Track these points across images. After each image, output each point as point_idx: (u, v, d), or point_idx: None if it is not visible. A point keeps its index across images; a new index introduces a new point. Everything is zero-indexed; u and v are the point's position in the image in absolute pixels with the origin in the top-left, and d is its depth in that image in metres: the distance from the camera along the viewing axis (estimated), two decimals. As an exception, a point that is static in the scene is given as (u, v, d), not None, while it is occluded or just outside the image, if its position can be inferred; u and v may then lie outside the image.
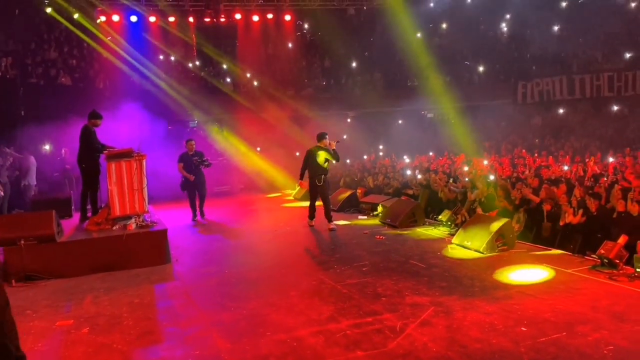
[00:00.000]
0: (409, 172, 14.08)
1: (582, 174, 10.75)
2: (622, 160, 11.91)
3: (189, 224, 11.77)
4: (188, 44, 20.80)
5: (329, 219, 10.41)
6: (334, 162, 10.71)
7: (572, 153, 14.96)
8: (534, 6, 21.92)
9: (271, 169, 17.34)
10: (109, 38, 18.42)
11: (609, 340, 4.67)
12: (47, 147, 14.23)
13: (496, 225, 7.93)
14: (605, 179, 9.92)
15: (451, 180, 11.74)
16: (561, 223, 8.32)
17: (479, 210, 9.83)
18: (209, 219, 12.31)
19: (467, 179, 11.56)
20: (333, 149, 10.51)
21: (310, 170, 10.46)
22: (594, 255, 6.89)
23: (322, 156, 10.39)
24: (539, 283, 6.37)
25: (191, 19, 20.36)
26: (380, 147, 19.53)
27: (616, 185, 8.76)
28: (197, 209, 12.18)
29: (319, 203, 10.63)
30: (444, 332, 5.05)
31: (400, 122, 23.02)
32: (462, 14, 23.31)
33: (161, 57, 19.65)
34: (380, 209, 11.52)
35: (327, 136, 10.67)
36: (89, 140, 9.05)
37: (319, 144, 10.58)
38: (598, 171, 11.17)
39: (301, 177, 10.98)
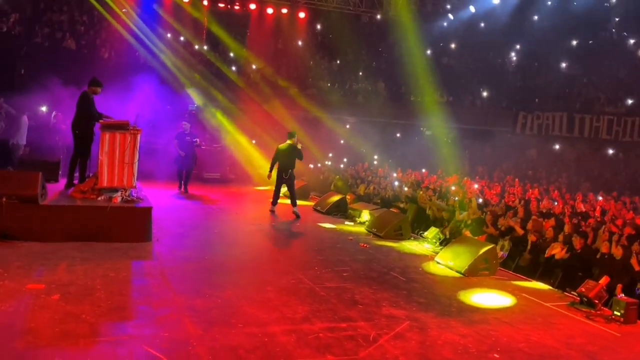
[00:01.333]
0: (396, 184, 14.06)
1: (571, 211, 10.78)
2: (612, 204, 11.98)
3: (176, 205, 11.65)
4: (198, 26, 20.66)
5: (294, 205, 11.64)
6: (298, 159, 11.70)
7: (564, 189, 15.02)
8: (545, 40, 22.07)
9: (264, 162, 17.23)
10: (124, 10, 18.25)
11: (580, 378, 4.67)
12: (43, 108, 14.01)
13: (481, 249, 7.92)
14: (593, 219, 9.95)
15: (435, 198, 11.71)
16: (546, 255, 8.33)
17: (466, 232, 9.85)
18: (191, 193, 13.34)
19: (455, 199, 11.60)
20: (299, 148, 11.63)
21: (279, 164, 11.59)
22: (574, 293, 6.90)
23: (289, 153, 11.50)
24: (516, 312, 6.36)
25: (205, 2, 20.24)
26: (375, 157, 19.51)
27: (604, 226, 8.80)
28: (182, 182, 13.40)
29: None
30: (417, 347, 5.01)
31: (398, 135, 23.04)
32: (473, 37, 23.41)
33: (169, 35, 19.47)
34: (364, 215, 11.47)
35: (296, 135, 11.82)
36: (88, 107, 8.91)
37: (288, 142, 11.65)
38: (584, 210, 11.23)
39: (270, 170, 11.90)
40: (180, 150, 13.18)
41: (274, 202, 11.77)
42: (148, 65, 17.62)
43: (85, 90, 9.00)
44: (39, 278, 6.01)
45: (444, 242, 9.35)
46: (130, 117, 8.71)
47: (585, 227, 9.01)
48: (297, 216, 11.47)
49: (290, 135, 11.73)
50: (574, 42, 22.28)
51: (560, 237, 8.42)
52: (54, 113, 13.38)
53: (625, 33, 21.24)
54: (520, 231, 9.02)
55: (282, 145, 11.67)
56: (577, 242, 8.09)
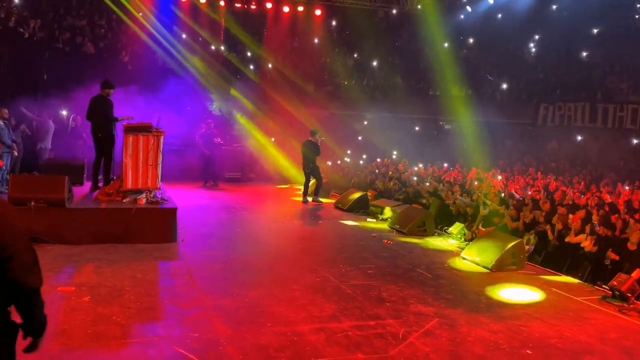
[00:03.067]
0: (415, 179, 13.98)
1: (597, 202, 10.58)
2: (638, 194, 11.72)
3: (199, 206, 11.73)
4: (216, 26, 20.75)
5: (316, 194, 13.09)
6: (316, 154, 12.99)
7: (587, 181, 14.75)
8: (565, 30, 21.67)
9: (284, 161, 17.28)
10: (140, 14, 18.41)
11: (616, 374, 4.57)
12: (64, 112, 14.22)
13: (508, 244, 7.81)
14: (622, 210, 9.75)
15: (459, 193, 11.61)
16: (566, 239, 8.18)
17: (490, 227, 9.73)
18: (213, 193, 13.89)
19: (479, 194, 11.48)
20: (319, 144, 13.03)
21: (303, 159, 13.16)
22: (605, 286, 6.76)
23: (309, 148, 12.96)
24: (547, 307, 6.25)
25: (222, 2, 20.31)
26: (395, 152, 19.40)
27: (632, 219, 8.61)
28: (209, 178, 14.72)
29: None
30: (447, 345, 4.96)
31: (417, 129, 22.88)
32: (492, 29, 23.11)
33: (184, 36, 19.57)
34: (387, 212, 11.41)
35: (317, 133, 13.19)
36: (108, 110, 9.04)
37: (310, 139, 13.10)
38: (611, 201, 11.00)
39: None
40: (205, 149, 14.47)
41: (304, 194, 13.11)
42: (167, 67, 17.76)
43: (101, 94, 9.11)
44: (69, 280, 6.11)
45: (470, 239, 9.22)
46: (152, 119, 8.78)
47: (613, 219, 8.82)
48: (317, 202, 12.99)
49: (312, 133, 13.16)
50: (595, 31, 21.85)
51: (587, 228, 8.27)
52: (72, 116, 13.56)
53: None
54: (547, 228, 8.84)
55: (305, 142, 13.20)
56: (606, 234, 7.93)
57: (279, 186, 16.09)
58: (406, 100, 21.49)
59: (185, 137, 14.84)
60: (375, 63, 23.34)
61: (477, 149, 20.12)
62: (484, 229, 9.41)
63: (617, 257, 7.39)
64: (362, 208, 12.17)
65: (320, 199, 13.09)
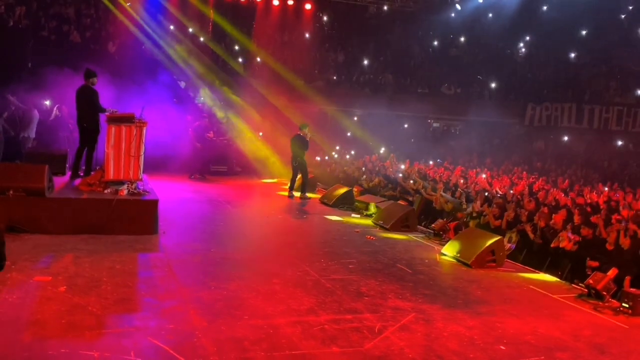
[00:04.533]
0: (400, 175, 14.03)
1: (582, 202, 10.68)
2: (620, 195, 11.86)
3: (182, 198, 11.68)
4: (204, 19, 20.61)
5: (302, 191, 12.94)
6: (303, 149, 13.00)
7: (572, 181, 14.89)
8: (554, 30, 21.83)
9: (271, 155, 17.25)
10: (128, 4, 18.25)
11: (587, 370, 4.63)
12: (47, 102, 14.07)
13: (488, 241, 7.87)
14: (603, 210, 9.84)
15: (442, 190, 11.67)
16: (552, 245, 8.27)
17: (472, 224, 9.80)
18: (198, 186, 13.81)
19: (461, 191, 11.55)
20: (307, 139, 13.05)
21: (291, 153, 13.11)
22: (581, 284, 6.84)
23: (298, 143, 12.92)
24: (523, 304, 6.31)
25: (211, -6, 20.20)
26: (382, 149, 19.44)
27: (612, 218, 8.71)
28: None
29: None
30: (422, 339, 4.99)
31: (405, 126, 22.94)
32: (481, 28, 23.21)
33: (172, 27, 19.42)
34: (372, 208, 11.45)
35: (306, 127, 13.18)
36: (92, 99, 8.99)
37: (299, 133, 13.04)
38: (593, 201, 11.11)
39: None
40: (197, 142, 14.75)
41: (290, 188, 13.16)
42: (154, 58, 17.61)
43: (86, 84, 9.05)
44: (46, 270, 6.05)
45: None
46: (136, 110, 8.72)
47: (594, 218, 8.90)
48: (304, 198, 12.81)
49: (301, 127, 13.21)
50: (583, 32, 22.03)
51: (569, 227, 8.35)
52: (57, 106, 13.42)
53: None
54: (528, 229, 8.89)
55: (293, 136, 13.19)
56: (586, 233, 8.02)
57: (265, 180, 16.05)
58: (395, 98, 21.54)
59: (171, 129, 14.73)
60: (365, 59, 23.33)
61: (464, 147, 20.26)
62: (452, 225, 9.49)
63: (596, 264, 7.43)
64: (347, 204, 12.18)
65: (308, 195, 13.02)
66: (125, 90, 13.42)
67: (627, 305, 6.10)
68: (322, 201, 12.65)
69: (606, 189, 12.69)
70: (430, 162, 17.14)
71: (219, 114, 17.52)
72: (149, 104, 10.08)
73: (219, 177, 15.68)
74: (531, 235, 8.70)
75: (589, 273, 7.34)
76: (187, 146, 14.75)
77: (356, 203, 12.17)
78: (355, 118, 21.97)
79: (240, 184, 15.16)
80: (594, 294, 6.46)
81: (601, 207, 10.22)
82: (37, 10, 16.91)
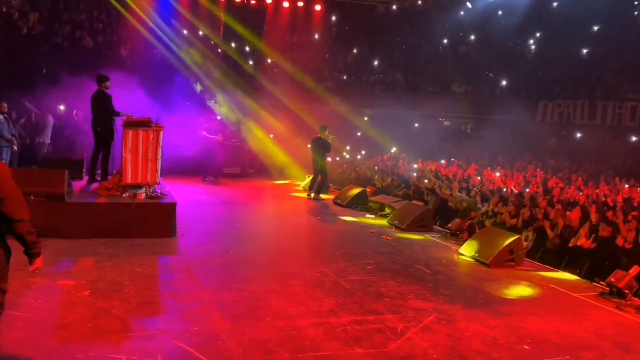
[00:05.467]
0: (414, 175, 14.01)
1: (601, 199, 10.60)
2: (637, 191, 11.75)
3: (198, 201, 11.74)
4: (215, 21, 20.69)
5: (317, 192, 13.01)
6: (325, 151, 13.15)
7: (586, 178, 14.79)
8: (565, 27, 21.66)
9: (283, 157, 17.28)
10: (139, 9, 18.36)
11: (613, 369, 4.60)
12: (62, 107, 14.21)
13: (506, 240, 7.84)
14: (620, 207, 9.77)
15: (457, 189, 11.64)
16: (570, 244, 8.22)
17: (487, 223, 9.76)
18: (212, 188, 13.90)
19: (476, 190, 11.51)
20: (329, 141, 13.12)
21: (312, 155, 13.22)
22: (602, 283, 6.80)
23: (318, 145, 13.01)
24: (544, 303, 6.28)
25: (222, -3, 20.30)
26: (394, 148, 19.41)
27: (630, 215, 8.64)
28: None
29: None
30: (445, 340, 4.99)
31: (416, 125, 22.88)
32: (491, 26, 23.08)
33: (185, 32, 19.53)
34: (386, 208, 11.43)
35: (327, 129, 13.16)
36: (106, 104, 9.09)
37: (319, 135, 13.11)
38: (610, 198, 11.03)
39: None
40: (209, 144, 14.80)
41: (309, 189, 13.32)
42: (167, 61, 17.71)
43: (100, 89, 9.15)
44: (69, 274, 6.12)
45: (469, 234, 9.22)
46: (151, 114, 8.79)
47: (612, 216, 8.84)
48: (317, 199, 12.86)
49: (321, 129, 13.19)
50: (595, 28, 21.84)
51: (586, 226, 8.30)
52: (75, 111, 13.56)
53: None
54: (547, 225, 8.84)
55: (314, 138, 13.25)
56: (604, 231, 7.96)
57: (278, 182, 16.08)
58: (406, 97, 21.48)
59: (184, 132, 14.81)
60: (375, 59, 23.30)
61: (475, 146, 20.17)
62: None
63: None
64: (361, 204, 12.18)
65: (321, 196, 13.03)
66: (139, 94, 13.51)
67: (649, 304, 6.05)
68: (336, 202, 12.66)
69: (626, 186, 12.57)
70: (443, 161, 17.08)
71: (232, 116, 17.56)
72: (162, 107, 10.17)
73: (232, 179, 15.73)
74: (550, 234, 8.64)
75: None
76: (200, 149, 14.78)
77: (370, 203, 12.16)
78: (366, 118, 21.93)
79: (253, 185, 15.20)
80: (616, 292, 6.42)
81: (619, 204, 10.13)
82: (50, 17, 17.08)
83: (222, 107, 17.91)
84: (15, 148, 10.93)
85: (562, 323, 5.60)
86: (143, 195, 8.19)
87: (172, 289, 5.98)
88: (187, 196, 11.73)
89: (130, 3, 17.95)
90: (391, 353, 4.62)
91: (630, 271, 6.45)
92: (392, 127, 20.28)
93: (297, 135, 16.84)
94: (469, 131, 24.46)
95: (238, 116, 17.62)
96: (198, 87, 18.27)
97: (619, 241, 7.70)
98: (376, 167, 16.00)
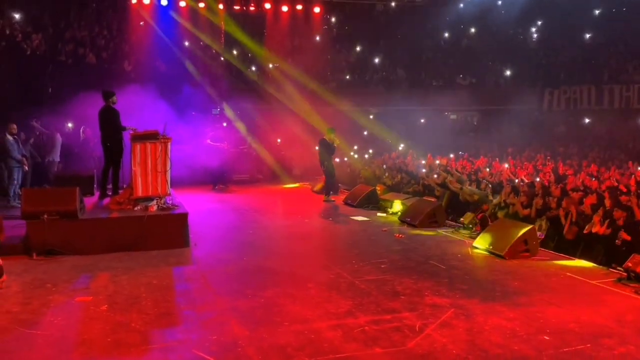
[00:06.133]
0: (423, 170, 13.98)
1: (613, 184, 10.50)
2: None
3: (209, 209, 11.79)
4: (216, 30, 20.80)
5: (327, 194, 13.07)
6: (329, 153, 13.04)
7: (597, 164, 14.67)
8: (566, 13, 21.54)
9: (291, 161, 17.31)
10: (141, 23, 18.53)
11: (636, 355, 4.56)
12: (70, 124, 14.35)
13: (520, 231, 7.79)
14: (634, 191, 9.68)
15: (466, 184, 11.58)
16: (585, 231, 8.15)
17: (499, 214, 9.71)
18: (222, 195, 14.09)
19: (487, 182, 11.45)
20: (333, 145, 12.97)
21: (319, 156, 13.22)
22: (620, 268, 6.73)
23: (323, 147, 12.98)
24: (562, 292, 6.23)
25: (221, 6, 20.38)
26: (401, 145, 19.38)
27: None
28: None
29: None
30: (464, 335, 4.96)
31: (422, 121, 22.83)
32: (492, 16, 23.00)
33: (187, 43, 19.65)
34: (397, 206, 11.38)
35: (333, 131, 13.03)
36: (114, 120, 9.17)
37: (325, 137, 13.04)
38: (623, 183, 10.92)
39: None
40: (216, 152, 14.91)
41: (323, 192, 13.34)
42: (171, 73, 17.82)
43: (107, 104, 9.24)
44: (86, 290, 6.17)
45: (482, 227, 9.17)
46: (158, 126, 8.84)
47: (626, 201, 8.76)
48: (327, 201, 12.87)
49: (327, 131, 13.17)
50: (597, 12, 21.69)
51: (600, 212, 8.22)
52: (82, 128, 13.68)
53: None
54: (562, 214, 8.77)
55: (320, 140, 13.24)
56: (619, 216, 7.88)
57: (287, 186, 16.11)
58: (410, 93, 21.45)
59: (192, 142, 14.90)
60: (376, 57, 23.29)
61: (484, 138, 20.08)
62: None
63: (629, 238, 7.36)
64: (372, 203, 12.17)
65: (332, 198, 13.01)
66: (145, 107, 13.59)
67: (669, 287, 5.98)
68: (346, 202, 12.66)
69: (639, 168, 12.44)
70: (452, 155, 17.02)
71: (239, 125, 17.62)
72: (169, 119, 10.23)
73: (242, 185, 15.79)
74: (563, 221, 8.58)
75: (618, 244, 7.23)
76: (208, 157, 14.84)
77: (381, 202, 12.14)
78: (371, 116, 21.93)
79: (262, 190, 15.25)
80: (634, 277, 6.36)
81: (632, 188, 10.03)
82: (53, 36, 17.25)
83: (226, 115, 18.00)
84: (27, 168, 11.03)
85: (581, 311, 5.55)
86: (155, 208, 8.24)
87: (188, 299, 6.01)
88: (198, 205, 11.80)
89: (131, 17, 18.11)
90: (410, 351, 4.61)
91: (648, 255, 6.39)
92: (398, 124, 20.27)
93: (305, 138, 16.88)
94: (476, 123, 24.37)
95: (244, 125, 17.67)
96: (216, 111, 18.39)
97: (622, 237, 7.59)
98: (384, 165, 15.96)
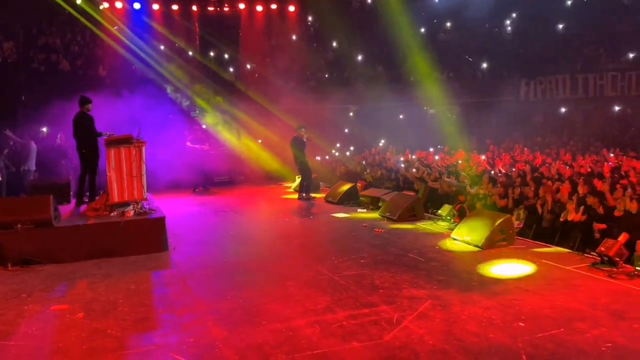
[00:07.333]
0: (402, 166, 14.06)
1: (587, 170, 10.68)
2: (624, 160, 11.85)
3: (189, 213, 11.73)
4: (190, 33, 20.66)
5: (304, 192, 13.00)
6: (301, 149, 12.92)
7: (574, 152, 14.89)
8: (540, 3, 21.77)
9: (271, 161, 17.29)
10: (115, 27, 18.35)
11: (608, 337, 4.64)
12: (44, 129, 14.14)
13: (496, 221, 7.88)
14: (607, 178, 9.84)
15: (444, 176, 11.69)
16: (562, 219, 8.28)
17: (479, 206, 9.81)
18: (203, 198, 14.03)
19: (465, 175, 11.56)
20: (304, 140, 12.86)
21: (293, 154, 13.15)
22: (593, 253, 6.85)
23: (295, 144, 12.84)
24: (538, 279, 6.33)
25: (194, 8, 20.25)
26: (382, 141, 19.45)
27: (617, 184, 8.71)
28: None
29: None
30: (441, 325, 5.01)
31: (401, 116, 22.93)
32: (467, 10, 23.16)
33: (162, 47, 19.49)
34: (379, 202, 11.45)
35: (302, 128, 13.06)
36: (88, 126, 9.06)
37: (296, 135, 12.98)
38: (597, 170, 11.11)
39: None
40: (196, 155, 15.08)
41: (298, 191, 13.34)
42: (146, 77, 17.67)
43: (82, 110, 9.13)
44: (62, 298, 6.10)
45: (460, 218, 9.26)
46: (132, 131, 8.77)
47: (599, 186, 8.91)
48: (307, 199, 12.82)
49: (297, 128, 13.16)
50: (569, 2, 21.97)
51: (574, 198, 8.35)
52: (59, 135, 13.50)
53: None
54: (538, 204, 8.89)
55: (292, 138, 13.15)
56: (593, 202, 8.02)
57: (269, 186, 16.09)
58: (389, 89, 21.51)
59: (170, 146, 14.79)
60: (354, 54, 23.32)
61: (462, 131, 20.23)
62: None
63: (604, 226, 7.49)
64: (352, 199, 12.21)
65: (312, 195, 13.04)
66: (121, 112, 13.47)
67: (640, 268, 6.10)
68: (327, 200, 12.69)
69: (612, 154, 12.66)
70: (431, 149, 17.13)
71: (211, 120, 17.52)
72: (146, 123, 10.14)
73: (223, 187, 15.73)
74: (540, 210, 8.70)
75: (597, 237, 7.36)
76: (187, 160, 14.76)
77: (361, 198, 12.19)
78: (351, 114, 21.97)
79: (244, 192, 15.21)
80: (607, 261, 6.48)
81: (606, 174, 10.21)
82: (25, 44, 17.00)
83: (207, 117, 17.90)
84: (0, 179, 10.87)
85: (556, 296, 5.64)
86: (131, 213, 8.17)
87: (167, 302, 5.98)
88: (178, 209, 11.74)
89: (104, 23, 17.92)
90: (388, 344, 4.64)
91: (619, 238, 6.51)
92: (378, 120, 20.32)
93: (283, 138, 16.85)
94: (455, 117, 24.54)
95: (220, 123, 17.58)
96: (185, 103, 18.24)
97: (616, 212, 7.73)
98: (364, 162, 16.02)
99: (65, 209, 8.97)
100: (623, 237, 6.52)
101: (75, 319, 5.40)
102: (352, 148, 19.20)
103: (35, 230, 7.41)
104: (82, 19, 17.79)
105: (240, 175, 17.06)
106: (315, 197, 13.15)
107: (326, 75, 22.73)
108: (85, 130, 9.15)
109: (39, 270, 7.18)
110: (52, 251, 7.49)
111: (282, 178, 16.81)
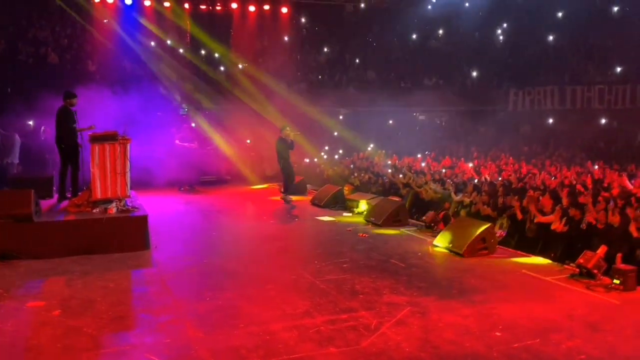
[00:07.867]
0: (389, 171, 14.09)
1: (572, 182, 10.78)
2: (607, 172, 11.97)
3: (174, 211, 11.66)
4: (182, 30, 20.56)
5: (284, 191, 12.71)
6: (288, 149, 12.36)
7: (559, 163, 15.02)
8: (531, 15, 22.00)
9: (259, 161, 17.24)
10: (105, 21, 18.21)
11: (582, 349, 4.68)
12: (30, 122, 13.99)
13: (478, 229, 7.92)
14: (590, 190, 9.94)
15: (431, 183, 11.74)
16: (536, 220, 8.35)
17: (462, 213, 9.86)
18: (188, 197, 13.90)
19: (450, 182, 11.62)
20: (291, 140, 12.29)
21: (277, 156, 12.57)
22: (572, 265, 6.91)
23: (280, 145, 12.29)
24: (517, 289, 6.36)
25: (187, 5, 20.16)
26: (371, 145, 19.48)
27: (599, 196, 8.79)
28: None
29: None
30: (419, 332, 5.02)
31: (391, 122, 23.01)
32: (459, 18, 23.34)
33: (153, 43, 19.38)
34: (362, 205, 11.44)
35: (287, 127, 12.53)
36: (67, 120, 8.95)
37: (280, 135, 12.39)
38: (580, 182, 11.22)
39: None
40: (184, 153, 14.80)
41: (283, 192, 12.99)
42: (135, 73, 17.56)
43: (63, 105, 9.03)
44: (39, 295, 6.03)
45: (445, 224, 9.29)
46: (119, 127, 8.70)
47: (582, 198, 8.99)
48: (287, 202, 12.45)
49: (281, 129, 12.59)
50: (559, 14, 22.21)
51: (557, 209, 8.42)
52: (42, 128, 13.36)
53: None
54: (519, 215, 8.95)
55: (277, 139, 12.58)
56: (575, 214, 8.09)
57: (256, 187, 16.04)
58: (379, 94, 21.58)
59: (158, 143, 14.69)
60: (347, 58, 23.37)
61: (450, 138, 20.37)
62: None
63: (594, 221, 7.56)
64: (338, 203, 12.20)
65: (290, 197, 12.70)
66: (110, 108, 13.37)
67: (618, 282, 6.16)
68: (313, 202, 12.66)
69: (596, 167, 12.80)
70: (419, 155, 17.20)
71: (203, 124, 17.45)
72: (134, 119, 10.08)
73: (209, 187, 15.65)
74: (520, 217, 8.76)
75: (584, 227, 7.46)
76: (174, 158, 14.65)
77: (347, 202, 12.18)
78: (341, 117, 21.99)
79: (230, 192, 15.14)
80: (586, 273, 6.53)
81: (589, 186, 10.31)
82: (13, 36, 16.82)
83: (193, 116, 17.82)
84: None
85: (534, 307, 5.68)
86: (114, 210, 8.10)
87: (145, 302, 5.94)
88: (162, 207, 11.66)
89: (95, 17, 17.79)
90: (365, 350, 4.64)
91: (598, 251, 6.57)
92: (367, 124, 20.36)
93: (272, 139, 16.80)
94: (444, 124, 24.68)
95: (206, 123, 17.50)
96: (177, 98, 18.14)
97: (587, 221, 7.83)
98: (352, 166, 16.03)
99: (47, 204, 8.86)
100: (602, 250, 6.58)
101: (50, 317, 5.35)
102: (340, 151, 19.20)
103: (15, 224, 7.32)
104: (72, 13, 17.65)
105: (227, 175, 16.98)
106: (301, 200, 13.11)
107: (318, 78, 22.73)
108: (65, 125, 9.03)
109: (17, 266, 7.09)
110: (31, 246, 7.41)
111: (271, 179, 16.74)
